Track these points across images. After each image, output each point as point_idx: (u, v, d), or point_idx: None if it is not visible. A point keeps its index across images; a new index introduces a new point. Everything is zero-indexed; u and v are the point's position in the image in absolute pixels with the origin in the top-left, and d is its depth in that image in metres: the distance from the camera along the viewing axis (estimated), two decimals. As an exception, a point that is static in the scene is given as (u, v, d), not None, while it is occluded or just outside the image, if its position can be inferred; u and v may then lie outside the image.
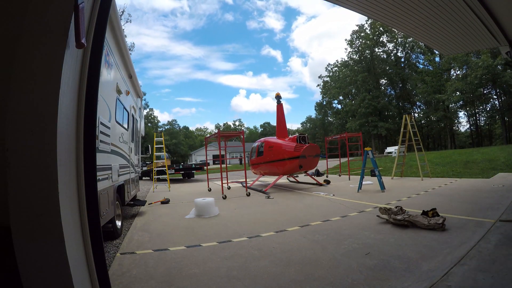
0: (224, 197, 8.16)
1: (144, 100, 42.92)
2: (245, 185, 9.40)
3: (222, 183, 9.30)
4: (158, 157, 13.44)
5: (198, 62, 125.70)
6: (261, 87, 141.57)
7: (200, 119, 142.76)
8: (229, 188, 10.96)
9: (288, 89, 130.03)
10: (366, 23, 48.16)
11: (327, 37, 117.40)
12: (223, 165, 10.47)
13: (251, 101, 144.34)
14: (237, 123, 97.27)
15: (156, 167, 13.27)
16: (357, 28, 50.70)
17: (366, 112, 47.12)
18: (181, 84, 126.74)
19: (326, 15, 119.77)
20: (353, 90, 53.61)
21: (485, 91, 39.19)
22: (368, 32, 49.07)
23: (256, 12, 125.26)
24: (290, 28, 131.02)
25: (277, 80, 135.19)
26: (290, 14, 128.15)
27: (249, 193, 8.79)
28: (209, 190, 10.46)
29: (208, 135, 26.89)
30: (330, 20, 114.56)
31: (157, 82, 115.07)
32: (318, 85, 61.61)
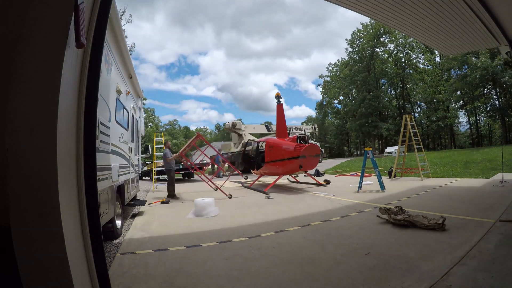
0: (230, 197, 8.12)
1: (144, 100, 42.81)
2: (245, 185, 9.40)
3: (222, 185, 9.30)
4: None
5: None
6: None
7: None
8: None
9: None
10: (370, 24, 47.97)
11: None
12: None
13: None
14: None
15: (156, 167, 13.25)
16: (361, 27, 50.48)
17: (366, 112, 47.06)
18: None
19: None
20: (353, 90, 53.53)
21: (485, 91, 39.14)
22: (371, 32, 48.90)
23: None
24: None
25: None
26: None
27: (249, 193, 8.78)
28: (215, 190, 10.23)
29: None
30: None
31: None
32: (319, 84, 61.71)
